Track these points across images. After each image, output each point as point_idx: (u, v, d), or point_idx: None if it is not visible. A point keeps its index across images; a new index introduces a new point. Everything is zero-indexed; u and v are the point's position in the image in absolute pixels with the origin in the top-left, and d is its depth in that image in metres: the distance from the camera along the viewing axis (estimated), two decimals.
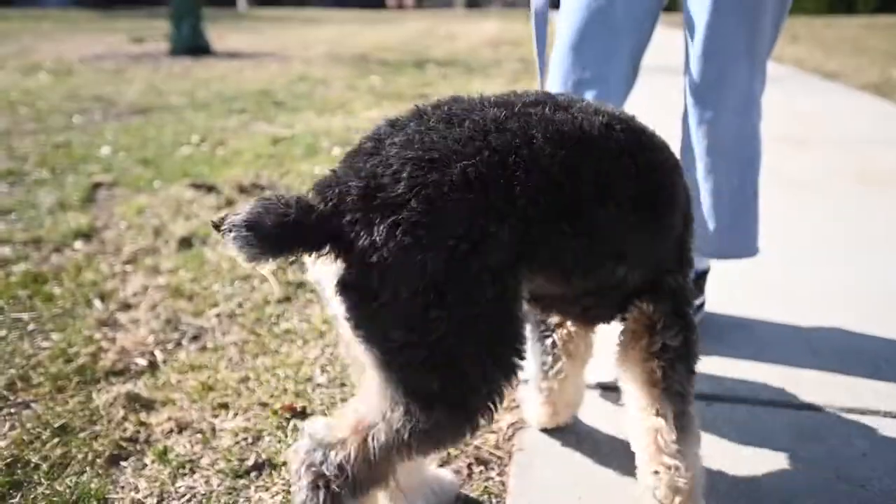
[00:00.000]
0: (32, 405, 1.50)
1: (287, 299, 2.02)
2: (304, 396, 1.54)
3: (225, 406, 1.51)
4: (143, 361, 1.69)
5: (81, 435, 1.40)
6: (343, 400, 1.53)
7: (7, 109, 4.97)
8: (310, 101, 5.50)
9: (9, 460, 1.32)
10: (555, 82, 1.70)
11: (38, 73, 7.03)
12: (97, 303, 1.98)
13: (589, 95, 1.64)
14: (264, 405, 1.51)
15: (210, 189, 3.04)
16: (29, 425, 1.42)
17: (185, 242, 2.43)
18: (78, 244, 2.42)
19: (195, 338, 1.82)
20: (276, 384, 1.59)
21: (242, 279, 2.15)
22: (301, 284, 2.11)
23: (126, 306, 1.98)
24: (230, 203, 2.88)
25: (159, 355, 1.72)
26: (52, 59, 8.22)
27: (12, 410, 1.49)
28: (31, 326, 1.84)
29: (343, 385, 1.59)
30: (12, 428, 1.43)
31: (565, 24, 1.66)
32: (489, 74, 6.97)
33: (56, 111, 4.94)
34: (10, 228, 2.57)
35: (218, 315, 1.93)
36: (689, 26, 1.61)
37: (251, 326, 1.86)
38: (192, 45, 8.83)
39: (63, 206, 2.83)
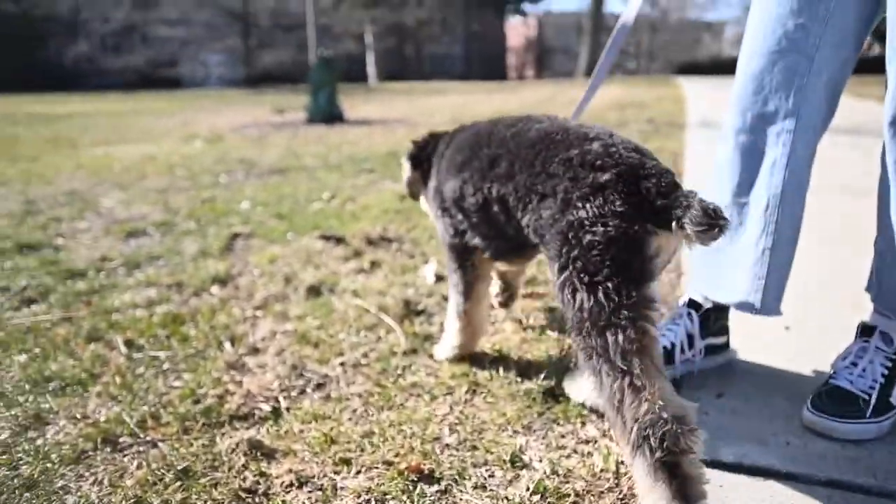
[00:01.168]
0: (160, 444, 1.47)
1: (413, 351, 1.91)
2: (432, 458, 1.39)
3: (347, 462, 1.39)
4: (266, 407, 1.62)
5: (203, 481, 1.34)
6: (475, 465, 1.36)
7: (167, 171, 5.47)
8: None
9: (132, 501, 1.27)
10: (733, 116, 1.51)
11: (195, 141, 7.77)
12: (227, 345, 1.98)
13: (774, 132, 1.43)
14: (389, 464, 1.37)
15: (339, 241, 3.07)
16: (154, 465, 1.38)
17: (314, 290, 2.42)
18: (215, 289, 2.49)
19: (319, 386, 1.74)
20: (402, 441, 1.45)
21: (368, 329, 2.07)
22: (428, 337, 1.99)
23: (254, 350, 1.96)
24: (358, 254, 2.87)
25: (283, 402, 1.65)
26: (207, 129, 9.10)
27: (141, 449, 1.46)
28: (165, 365, 1.86)
29: (475, 448, 1.42)
30: (139, 467, 1.39)
31: (747, 47, 1.47)
32: None
33: (206, 172, 5.37)
34: (158, 272, 2.70)
35: (343, 364, 1.85)
36: (890, 41, 1.37)
37: (376, 378, 1.76)
38: (328, 114, 9.46)
39: (204, 253, 2.96)
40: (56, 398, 1.68)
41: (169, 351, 1.95)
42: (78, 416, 1.59)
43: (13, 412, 1.61)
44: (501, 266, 1.88)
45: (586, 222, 1.13)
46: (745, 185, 1.54)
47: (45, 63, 35.93)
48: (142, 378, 1.78)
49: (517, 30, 50.95)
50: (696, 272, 1.72)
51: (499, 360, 1.82)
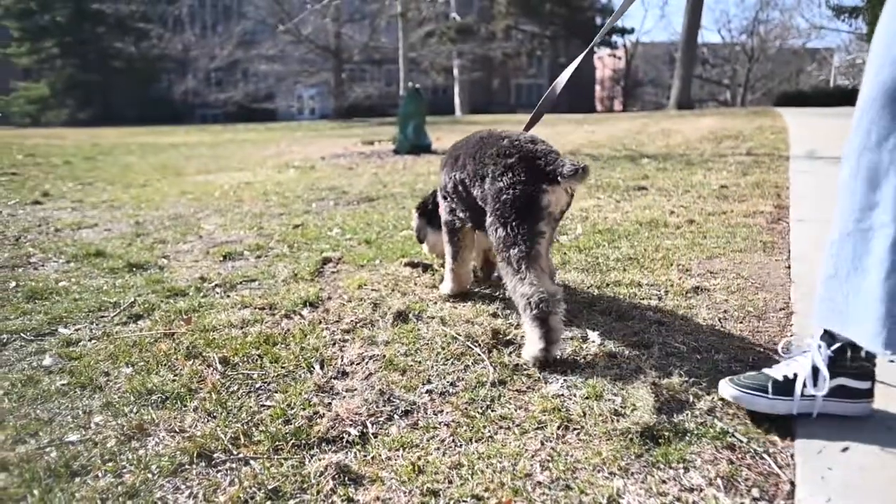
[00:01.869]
0: (251, 462, 1.49)
1: (502, 382, 1.86)
2: (523, 495, 1.33)
3: (435, 493, 1.35)
4: (354, 431, 1.62)
5: (291, 502, 1.33)
6: None
7: (262, 197, 5.73)
8: None
9: None
10: (857, 133, 1.39)
11: (288, 169, 8.13)
12: (317, 368, 2.00)
13: None
14: (478, 498, 1.32)
15: (426, 268, 3.08)
16: (246, 483, 1.40)
17: (401, 316, 2.42)
18: (305, 311, 2.54)
19: (406, 413, 1.72)
20: (492, 476, 1.40)
21: (456, 357, 2.04)
22: (517, 367, 1.93)
23: (343, 374, 1.97)
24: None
25: (371, 427, 1.64)
26: (300, 159, 9.52)
27: (233, 465, 1.49)
28: (258, 384, 1.90)
29: (569, 488, 1.35)
30: (231, 483, 1.41)
31: (876, 57, 1.35)
32: (711, 167, 6.52)
33: (299, 199, 5.58)
34: (252, 294, 2.79)
35: (429, 392, 1.82)
36: None
37: (464, 407, 1.72)
38: (415, 145, 9.65)
39: (296, 277, 3.05)
40: (157, 410, 1.75)
41: (261, 370, 1.99)
42: (176, 429, 1.64)
43: (119, 421, 1.68)
44: (483, 238, 2.46)
45: (505, 188, 1.96)
46: (868, 209, 1.40)
47: (157, 97, 39.08)
48: (235, 396, 1.83)
49: (605, 61, 50.56)
50: (819, 303, 1.54)
51: (591, 396, 1.73)
